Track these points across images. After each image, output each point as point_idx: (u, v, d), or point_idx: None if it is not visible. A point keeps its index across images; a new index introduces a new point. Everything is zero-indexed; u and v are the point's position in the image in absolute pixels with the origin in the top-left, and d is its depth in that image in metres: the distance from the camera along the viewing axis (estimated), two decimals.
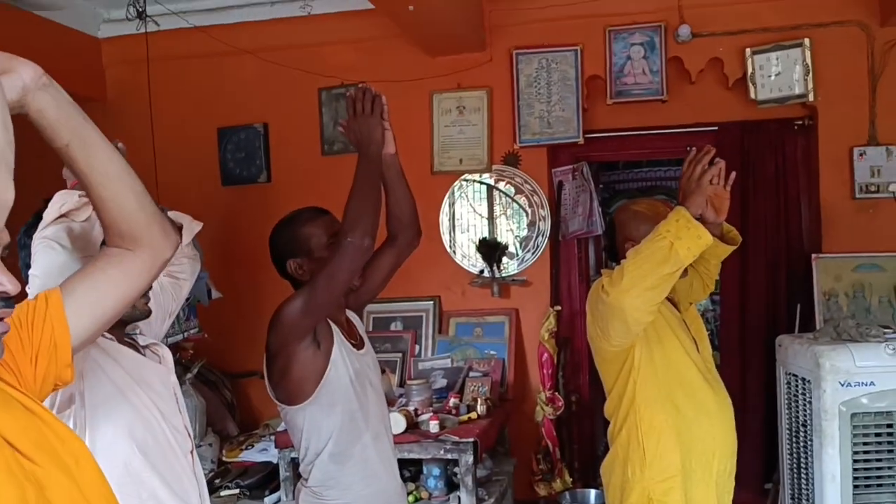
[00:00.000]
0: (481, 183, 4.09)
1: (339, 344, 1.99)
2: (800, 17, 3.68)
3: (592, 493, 3.64)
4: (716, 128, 3.81)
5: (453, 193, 4.07)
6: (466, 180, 4.07)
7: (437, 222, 4.00)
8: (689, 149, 2.17)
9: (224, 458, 3.48)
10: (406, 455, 3.00)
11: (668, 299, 2.39)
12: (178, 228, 1.97)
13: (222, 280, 3.73)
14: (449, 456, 3.05)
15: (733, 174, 2.20)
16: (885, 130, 3.62)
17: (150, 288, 1.63)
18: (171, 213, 1.96)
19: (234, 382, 4.04)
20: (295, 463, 3.13)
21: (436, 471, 3.12)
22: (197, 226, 2.02)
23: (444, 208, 4.05)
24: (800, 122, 3.78)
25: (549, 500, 3.60)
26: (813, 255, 3.61)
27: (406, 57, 3.92)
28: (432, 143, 4.00)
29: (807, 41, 3.65)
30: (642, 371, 2.27)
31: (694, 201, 2.06)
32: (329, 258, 1.88)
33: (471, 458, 3.02)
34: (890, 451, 2.65)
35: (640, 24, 3.81)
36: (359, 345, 2.10)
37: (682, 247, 2.00)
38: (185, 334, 3.40)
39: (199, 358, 3.64)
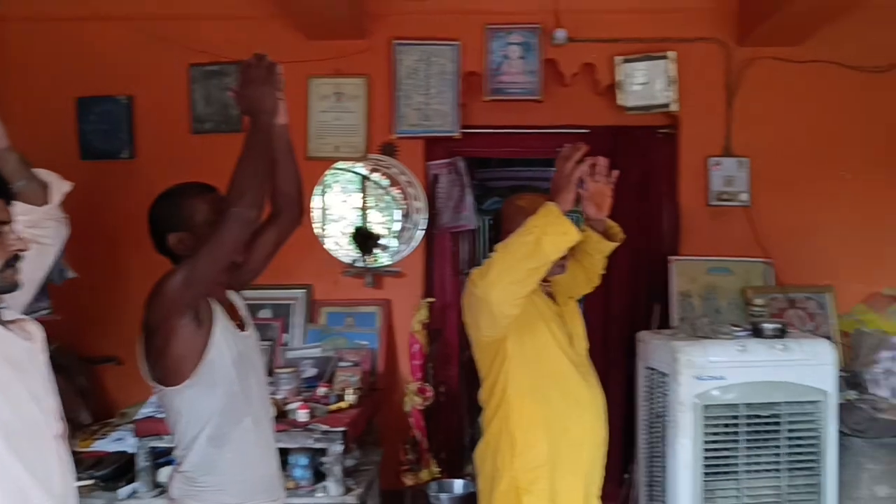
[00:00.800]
0: (355, 173, 4.06)
1: (222, 324, 1.92)
2: (667, 30, 3.88)
3: (458, 482, 3.70)
4: (588, 130, 3.93)
5: (326, 182, 4.01)
6: (340, 169, 4.01)
7: (310, 208, 3.92)
8: (558, 150, 2.23)
9: (76, 448, 3.26)
10: None
11: (547, 293, 2.46)
12: (44, 187, 1.83)
13: (78, 259, 3.48)
14: (317, 445, 3.00)
15: (616, 172, 2.29)
16: (739, 143, 3.88)
17: (19, 258, 1.51)
18: (37, 171, 1.83)
19: (87, 368, 3.80)
20: (154, 453, 2.99)
21: (302, 460, 3.06)
22: (66, 185, 1.89)
23: (317, 196, 3.99)
24: (663, 131, 3.99)
25: (415, 489, 3.62)
26: (670, 258, 3.82)
27: (283, 39, 3.81)
28: (307, 128, 3.92)
29: (672, 54, 3.85)
30: (514, 362, 2.32)
31: (563, 197, 2.10)
32: (214, 229, 1.81)
33: (340, 448, 2.98)
34: (735, 441, 2.84)
35: (519, 24, 3.89)
36: (241, 326, 2.03)
37: (548, 242, 2.05)
38: (34, 315, 3.14)
39: (49, 341, 3.38)
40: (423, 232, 3.94)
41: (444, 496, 3.53)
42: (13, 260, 1.54)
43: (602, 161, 2.36)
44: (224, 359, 1.91)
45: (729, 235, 3.86)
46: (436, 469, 3.62)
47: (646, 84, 3.88)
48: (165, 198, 2.00)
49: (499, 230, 2.46)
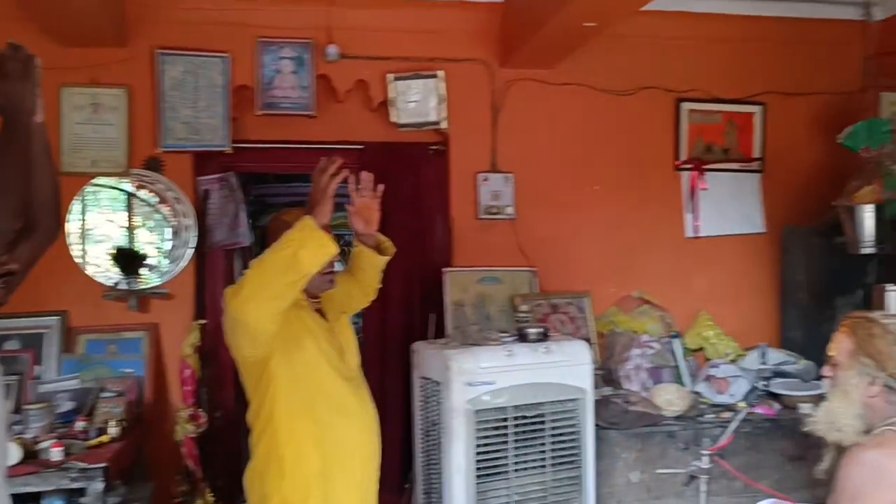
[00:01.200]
0: (119, 190, 3.80)
1: None
2: (435, 50, 4.01)
3: None
4: (362, 146, 3.98)
5: (85, 200, 3.73)
6: (101, 185, 3.75)
7: (66, 229, 3.62)
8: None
9: None
10: (21, 489, 2.65)
11: (317, 309, 2.44)
12: None
13: None
14: (75, 485, 2.76)
15: (381, 186, 2.32)
16: (504, 159, 4.10)
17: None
18: None
19: None
20: None
21: (57, 503, 2.79)
22: None
23: (75, 215, 3.69)
24: (434, 147, 4.11)
25: None
26: (444, 269, 3.95)
27: (31, 44, 3.40)
28: (60, 141, 3.62)
29: (441, 73, 3.99)
30: (281, 380, 2.28)
31: (320, 210, 2.11)
32: None
33: (101, 486, 2.76)
34: (505, 443, 2.97)
35: (291, 38, 3.85)
36: None
37: (305, 256, 2.04)
38: None
39: None
40: (193, 250, 3.77)
41: None
42: None
43: (366, 176, 2.39)
44: None
45: (497, 247, 4.06)
46: (211, 498, 3.46)
47: (417, 102, 3.98)
48: None
49: (266, 246, 2.42)
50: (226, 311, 2.14)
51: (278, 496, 2.26)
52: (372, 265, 2.58)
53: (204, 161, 3.89)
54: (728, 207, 4.36)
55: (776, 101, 4.39)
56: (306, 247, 2.04)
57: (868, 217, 3.73)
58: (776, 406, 3.69)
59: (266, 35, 3.83)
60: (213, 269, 3.91)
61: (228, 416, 3.79)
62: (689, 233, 4.33)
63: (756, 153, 4.40)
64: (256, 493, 2.31)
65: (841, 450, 1.97)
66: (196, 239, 3.78)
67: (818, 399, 2.41)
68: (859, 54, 4.28)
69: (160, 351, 3.68)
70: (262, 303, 2.05)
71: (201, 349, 3.62)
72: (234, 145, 3.82)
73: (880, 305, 3.58)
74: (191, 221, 3.78)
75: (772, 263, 4.43)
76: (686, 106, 4.30)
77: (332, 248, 2.08)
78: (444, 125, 4.00)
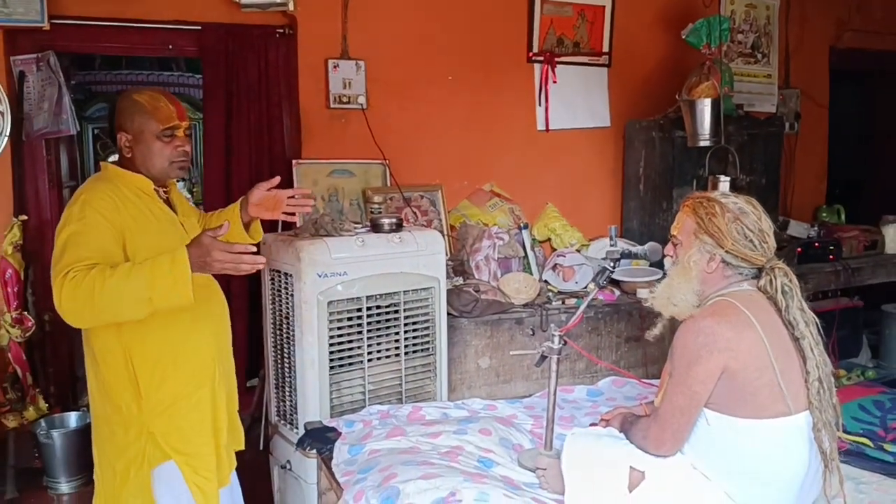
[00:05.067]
0: None
1: None
2: None
3: (73, 415, 3.36)
4: (199, 27, 3.69)
5: None
6: None
7: None
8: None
9: None
10: None
11: (166, 200, 2.32)
12: None
13: None
14: None
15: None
16: (355, 46, 3.92)
17: None
18: None
19: None
20: None
21: None
22: None
23: None
24: (281, 31, 3.86)
25: (20, 431, 3.20)
26: (294, 161, 3.79)
27: None
28: None
29: None
30: None
31: (204, 270, 2.00)
32: None
33: None
34: (359, 333, 2.94)
35: None
36: None
37: (161, 304, 1.98)
38: None
39: None
40: (8, 139, 3.39)
41: (56, 433, 3.16)
42: None
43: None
44: None
45: (349, 138, 3.93)
46: (44, 405, 3.25)
47: None
48: None
49: (112, 126, 2.28)
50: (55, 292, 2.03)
51: (136, 424, 2.18)
52: (233, 234, 2.50)
53: (17, 38, 3.48)
54: (577, 101, 4.42)
55: None
56: (165, 300, 1.97)
57: (706, 111, 3.89)
58: (616, 292, 3.88)
59: None
60: (34, 161, 3.56)
61: (58, 318, 3.52)
62: (541, 126, 4.37)
63: (605, 48, 4.46)
64: (104, 423, 2.23)
65: (674, 321, 2.08)
66: (11, 127, 3.39)
67: (655, 284, 2.53)
68: None
69: None
70: (97, 323, 2.06)
71: (23, 248, 3.31)
72: (53, 21, 3.41)
73: None
74: (4, 107, 3.39)
75: (615, 157, 4.58)
76: None
77: (189, 300, 1.98)
78: (291, 6, 3.72)
